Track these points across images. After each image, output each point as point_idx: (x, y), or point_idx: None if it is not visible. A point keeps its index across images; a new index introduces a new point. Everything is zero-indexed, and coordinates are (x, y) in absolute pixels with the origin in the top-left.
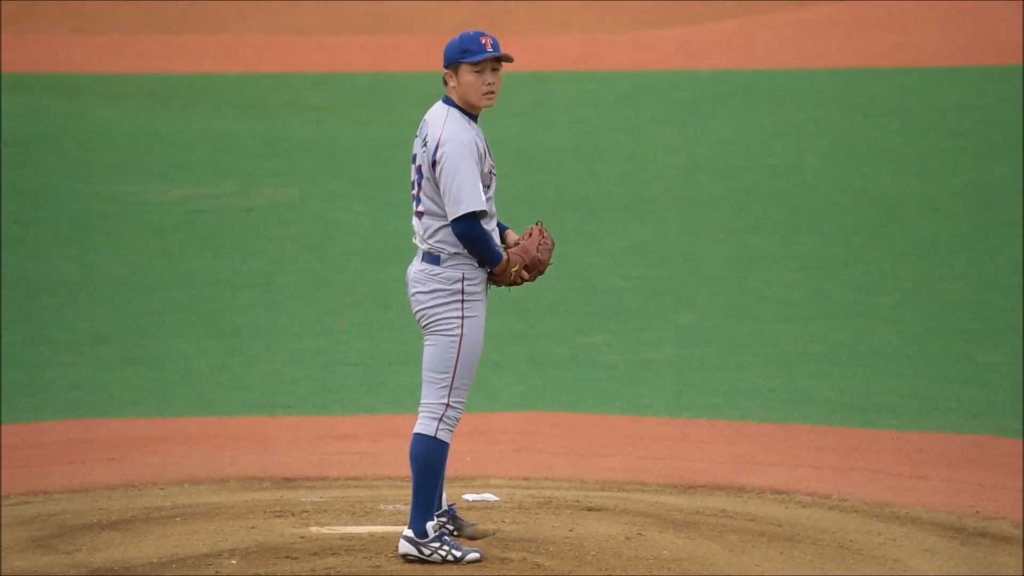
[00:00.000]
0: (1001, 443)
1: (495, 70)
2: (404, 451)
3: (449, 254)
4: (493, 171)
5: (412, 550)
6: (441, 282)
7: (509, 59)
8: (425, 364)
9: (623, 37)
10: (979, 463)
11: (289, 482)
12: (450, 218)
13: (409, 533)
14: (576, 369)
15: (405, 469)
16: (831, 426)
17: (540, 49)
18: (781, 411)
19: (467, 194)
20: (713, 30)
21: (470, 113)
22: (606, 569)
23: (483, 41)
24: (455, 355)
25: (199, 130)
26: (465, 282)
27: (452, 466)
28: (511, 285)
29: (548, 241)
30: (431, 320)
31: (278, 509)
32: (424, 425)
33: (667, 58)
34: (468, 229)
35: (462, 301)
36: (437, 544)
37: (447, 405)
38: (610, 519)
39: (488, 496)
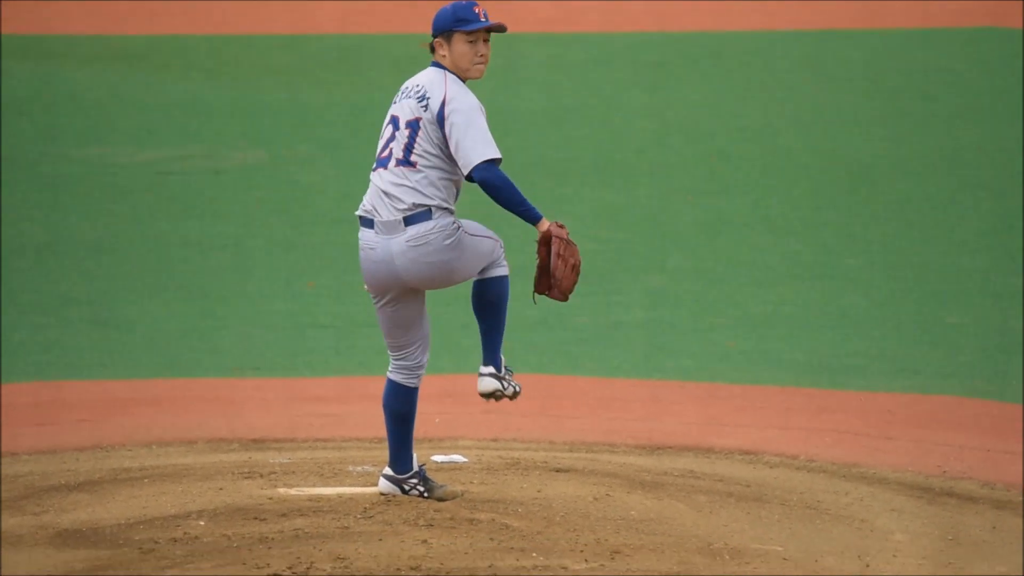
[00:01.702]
0: (969, 404)
1: (486, 41)
2: (373, 413)
3: (441, 209)
4: None
5: (496, 385)
6: (439, 233)
7: (503, 28)
8: (463, 273)
9: None
10: (947, 424)
11: (257, 444)
12: (473, 163)
13: (490, 370)
14: (545, 331)
15: (374, 431)
16: (800, 387)
17: (510, 11)
18: (750, 373)
19: (486, 142)
20: None
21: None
22: (574, 530)
23: (476, 10)
24: (474, 241)
25: (168, 93)
26: (458, 221)
27: (421, 428)
28: (565, 279)
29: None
30: (444, 267)
31: (246, 471)
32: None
33: (637, 20)
34: (493, 174)
35: (457, 228)
36: (511, 377)
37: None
38: (578, 480)
39: (457, 457)
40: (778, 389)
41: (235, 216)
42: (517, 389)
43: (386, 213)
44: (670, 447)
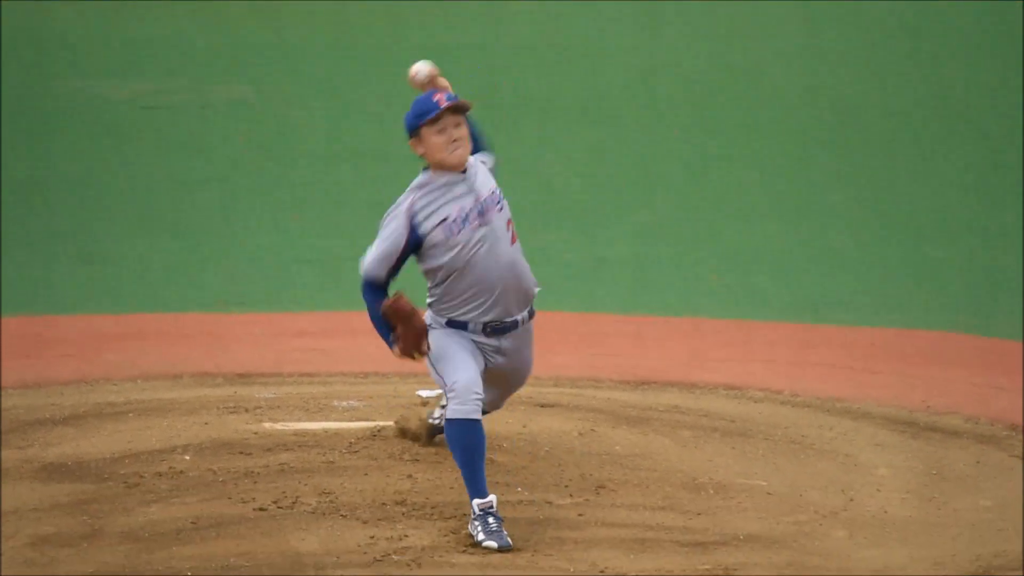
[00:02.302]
0: (953, 339)
1: (457, 125)
2: (358, 348)
3: (430, 305)
4: (496, 192)
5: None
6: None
7: (466, 107)
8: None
9: None
10: (931, 358)
11: (243, 378)
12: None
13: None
14: (531, 267)
15: (359, 365)
16: (785, 322)
17: None
18: (735, 308)
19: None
20: None
21: (453, 173)
22: (559, 464)
23: (435, 99)
24: (438, 342)
25: (154, 27)
26: (439, 323)
27: (408, 363)
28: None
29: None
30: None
31: (232, 405)
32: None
33: None
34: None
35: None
36: (478, 523)
37: (445, 386)
38: (563, 415)
39: None
40: (763, 324)
41: (221, 151)
42: (476, 534)
43: None
44: (655, 382)
